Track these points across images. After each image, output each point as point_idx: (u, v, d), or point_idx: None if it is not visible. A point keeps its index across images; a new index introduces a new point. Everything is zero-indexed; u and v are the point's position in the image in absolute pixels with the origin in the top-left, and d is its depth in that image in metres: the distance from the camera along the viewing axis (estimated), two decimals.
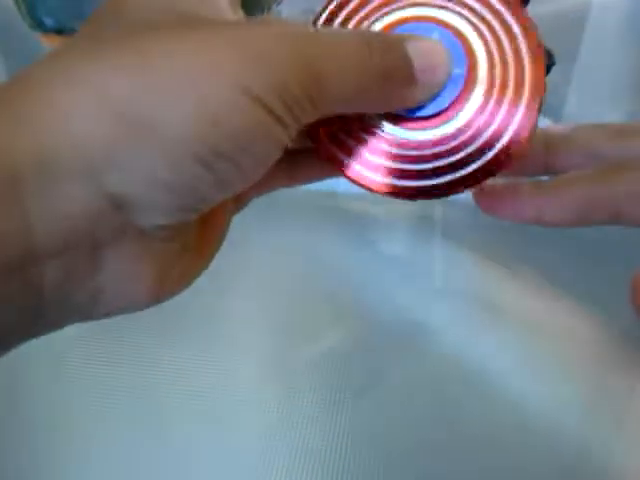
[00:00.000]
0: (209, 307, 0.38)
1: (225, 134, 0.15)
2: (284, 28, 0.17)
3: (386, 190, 0.21)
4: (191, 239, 0.19)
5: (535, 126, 0.21)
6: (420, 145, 0.21)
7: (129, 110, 0.14)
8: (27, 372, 0.34)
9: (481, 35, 0.21)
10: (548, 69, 0.25)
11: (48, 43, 0.53)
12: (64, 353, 0.34)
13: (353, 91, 0.18)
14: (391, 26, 0.21)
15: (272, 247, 0.40)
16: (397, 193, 0.21)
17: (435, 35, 0.20)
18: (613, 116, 0.51)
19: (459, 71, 0.20)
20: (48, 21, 0.51)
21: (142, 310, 0.18)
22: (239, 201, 0.22)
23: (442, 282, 0.40)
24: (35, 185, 0.14)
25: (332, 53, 0.17)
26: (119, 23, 0.17)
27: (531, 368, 0.35)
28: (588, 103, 0.53)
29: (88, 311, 0.16)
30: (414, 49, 0.18)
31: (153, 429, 0.33)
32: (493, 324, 0.37)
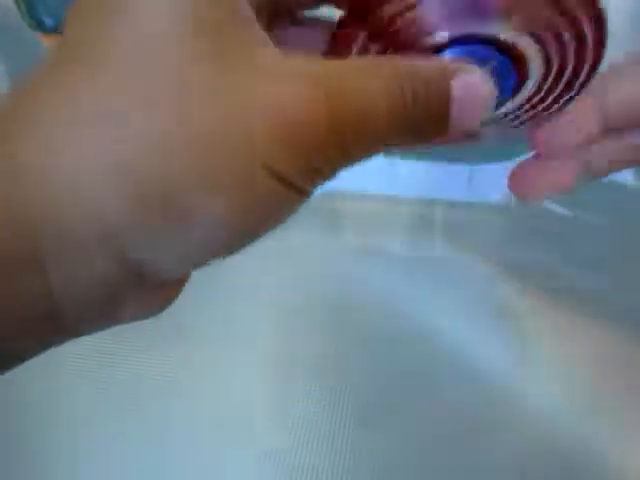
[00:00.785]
0: (209, 307, 0.38)
1: (238, 211, 0.14)
2: (302, 78, 0.15)
3: None
4: None
5: None
6: None
7: (138, 184, 0.14)
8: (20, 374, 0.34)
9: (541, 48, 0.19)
10: None
11: (48, 43, 0.53)
12: (58, 353, 0.34)
13: (378, 146, 0.16)
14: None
15: (271, 247, 0.40)
16: None
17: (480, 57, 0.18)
18: None
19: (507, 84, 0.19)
20: (48, 21, 0.51)
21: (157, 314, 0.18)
22: None
23: (442, 282, 0.40)
24: (55, 255, 0.13)
25: (356, 105, 0.15)
26: (125, 28, 0.14)
27: (531, 368, 0.35)
28: None
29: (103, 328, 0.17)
30: (460, 87, 0.16)
31: (151, 429, 0.33)
32: (493, 324, 0.37)
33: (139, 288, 0.15)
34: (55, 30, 0.51)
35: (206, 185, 0.14)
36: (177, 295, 0.18)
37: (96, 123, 0.14)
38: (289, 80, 0.15)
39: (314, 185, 0.15)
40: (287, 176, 0.14)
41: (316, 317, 0.38)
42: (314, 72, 0.15)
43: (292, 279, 0.40)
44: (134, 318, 0.17)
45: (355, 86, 0.15)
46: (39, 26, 0.51)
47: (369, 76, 0.15)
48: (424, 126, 0.16)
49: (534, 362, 0.35)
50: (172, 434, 0.33)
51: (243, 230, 0.15)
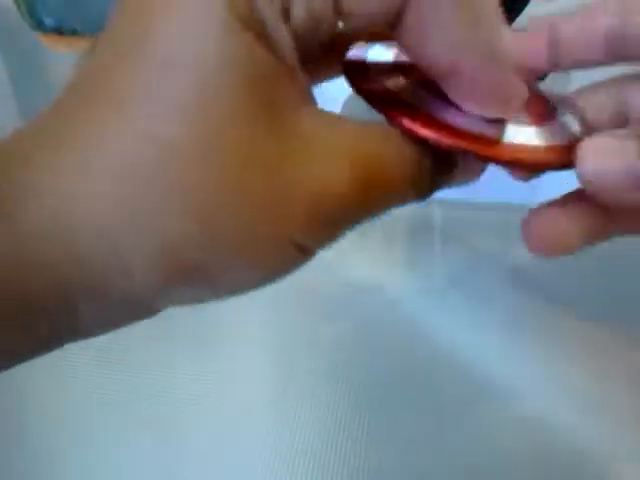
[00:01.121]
0: (212, 308, 0.37)
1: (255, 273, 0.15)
2: (340, 155, 0.14)
3: None
4: None
5: None
6: None
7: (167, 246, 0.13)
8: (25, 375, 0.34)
9: None
10: (545, 75, 0.25)
11: (48, 43, 0.53)
12: (63, 357, 0.34)
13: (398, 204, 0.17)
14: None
15: None
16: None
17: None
18: None
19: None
20: (48, 21, 0.51)
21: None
22: None
23: (442, 282, 0.40)
24: (86, 301, 0.13)
25: (390, 182, 0.15)
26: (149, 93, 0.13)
27: (532, 368, 0.35)
28: None
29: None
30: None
31: (153, 431, 0.33)
32: (494, 324, 0.37)
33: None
34: (55, 30, 0.51)
35: (234, 252, 0.14)
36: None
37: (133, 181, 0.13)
38: (330, 160, 0.14)
39: (322, 247, 0.16)
40: (310, 248, 0.15)
41: (315, 318, 0.38)
42: (353, 148, 0.15)
43: (292, 278, 0.40)
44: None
45: (385, 159, 0.15)
46: (39, 26, 0.51)
47: (396, 144, 0.16)
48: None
49: (534, 362, 0.35)
50: (172, 437, 0.33)
51: (249, 286, 0.16)
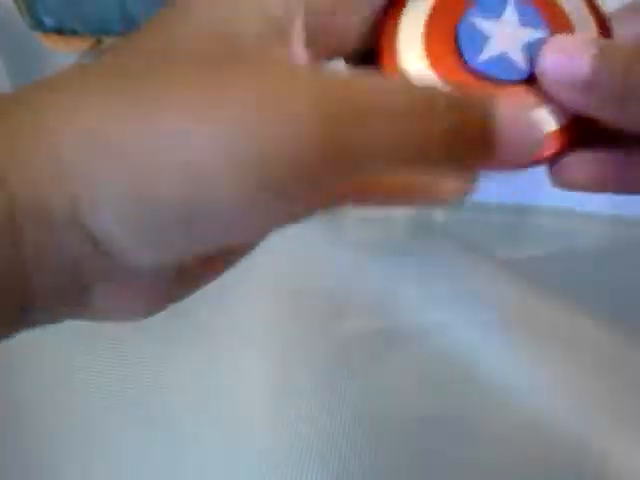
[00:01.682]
0: (212, 308, 0.38)
1: (222, 219, 0.14)
2: (308, 79, 0.14)
3: None
4: (187, 264, 0.17)
5: None
6: None
7: (125, 167, 0.14)
8: (28, 375, 0.34)
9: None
10: None
11: (48, 43, 0.53)
12: (67, 355, 0.34)
13: (402, 164, 0.15)
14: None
15: (272, 247, 0.40)
16: None
17: (509, 8, 0.19)
18: None
19: (540, 35, 0.19)
20: (48, 21, 0.51)
21: (142, 319, 0.18)
22: None
23: (442, 282, 0.40)
24: (32, 235, 0.14)
25: (373, 117, 0.13)
26: (161, 48, 0.15)
27: (532, 368, 0.35)
28: None
29: (83, 319, 0.17)
30: (500, 119, 0.14)
31: (155, 429, 0.33)
32: (494, 324, 0.37)
33: (108, 273, 0.15)
34: (55, 30, 0.51)
35: (182, 180, 0.14)
36: (159, 306, 0.18)
37: (94, 97, 0.14)
38: (295, 93, 0.14)
39: (317, 191, 0.15)
40: (279, 188, 0.14)
41: (315, 317, 0.38)
42: (324, 80, 0.14)
43: (292, 278, 0.40)
44: (108, 313, 0.17)
45: (368, 94, 0.14)
46: (39, 26, 0.51)
47: (392, 84, 0.15)
48: (461, 143, 0.15)
49: (534, 361, 0.35)
50: (174, 435, 0.33)
51: (219, 231, 0.15)
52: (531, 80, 0.19)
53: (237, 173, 0.13)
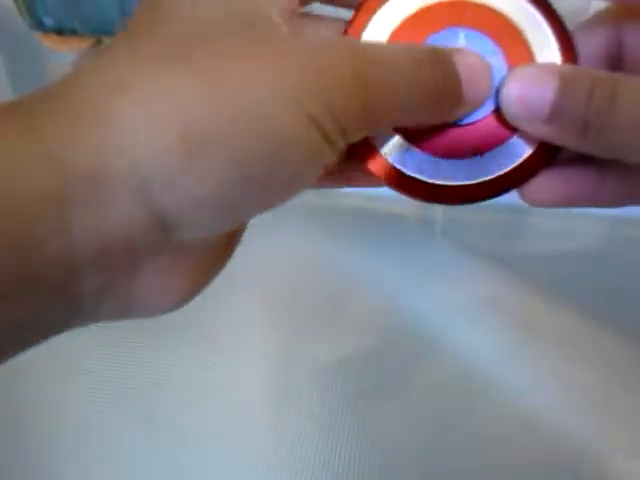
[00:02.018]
0: (212, 308, 0.38)
1: (280, 157, 0.15)
2: (343, 45, 0.17)
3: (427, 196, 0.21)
4: (221, 241, 0.19)
5: None
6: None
7: (193, 129, 0.14)
8: (34, 379, 0.34)
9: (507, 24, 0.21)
10: None
11: (48, 43, 0.53)
12: (67, 356, 0.34)
13: (402, 109, 0.18)
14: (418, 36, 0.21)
15: (273, 247, 0.40)
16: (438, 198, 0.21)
17: (462, 37, 0.20)
18: None
19: (497, 63, 0.20)
20: (48, 21, 0.51)
21: (166, 313, 0.18)
22: None
23: (442, 281, 0.40)
24: (82, 201, 0.14)
25: (385, 71, 0.17)
26: (181, 18, 0.16)
27: (531, 368, 0.35)
28: None
29: (119, 314, 0.17)
30: (461, 64, 0.18)
31: (155, 429, 0.33)
32: (494, 324, 0.37)
33: (159, 250, 0.15)
34: (55, 30, 0.51)
35: (253, 131, 0.15)
36: (198, 288, 0.18)
37: (148, 67, 0.15)
38: (332, 50, 0.16)
39: (343, 137, 0.16)
40: (322, 122, 0.15)
41: (317, 316, 0.38)
42: (353, 44, 0.17)
43: (293, 278, 0.40)
44: (155, 296, 0.17)
45: (385, 55, 0.17)
46: (39, 26, 0.51)
47: (394, 49, 0.18)
48: (440, 89, 0.18)
49: (534, 361, 0.35)
50: (173, 434, 0.33)
51: (277, 171, 0.16)
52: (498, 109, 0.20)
53: (300, 120, 0.15)
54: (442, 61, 0.18)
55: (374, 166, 0.20)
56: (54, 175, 0.13)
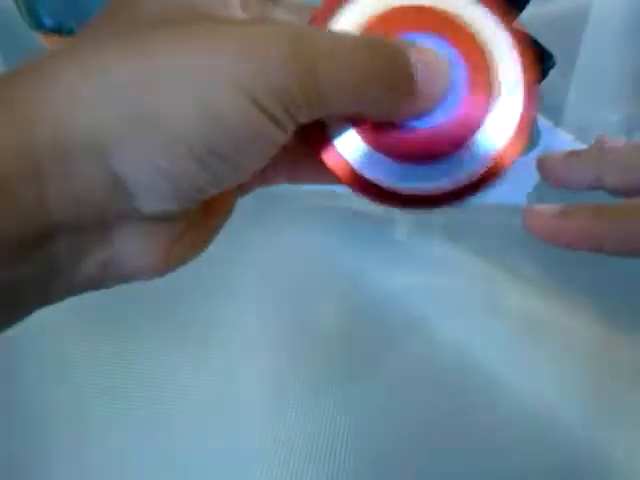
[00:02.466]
0: (212, 308, 0.38)
1: (222, 135, 0.16)
2: (284, 28, 0.17)
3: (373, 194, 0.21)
4: (196, 217, 0.20)
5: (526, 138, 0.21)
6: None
7: (131, 101, 0.15)
8: (33, 379, 0.34)
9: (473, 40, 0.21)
10: (548, 70, 0.25)
11: (48, 43, 0.53)
12: (67, 357, 0.34)
13: (351, 95, 0.18)
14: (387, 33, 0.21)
15: (271, 246, 0.40)
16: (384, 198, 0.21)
17: (429, 43, 0.20)
18: (613, 117, 0.51)
19: (457, 79, 0.20)
20: (48, 21, 0.51)
21: (148, 280, 0.19)
22: (242, 189, 0.23)
23: (442, 281, 0.40)
24: (52, 168, 0.15)
25: (332, 55, 0.17)
26: (132, 13, 0.17)
27: (531, 368, 0.35)
28: (588, 103, 0.53)
29: (97, 280, 0.18)
30: (417, 59, 0.18)
31: (155, 429, 0.33)
32: (494, 323, 0.37)
33: (125, 216, 0.17)
34: (55, 30, 0.51)
35: (190, 110, 0.16)
36: (175, 260, 0.19)
37: (93, 47, 0.16)
38: (272, 32, 0.17)
39: (291, 118, 0.17)
40: (264, 103, 0.16)
41: (317, 317, 0.38)
42: (296, 27, 0.18)
43: (291, 277, 0.40)
44: (130, 263, 0.18)
45: (329, 39, 0.17)
46: (39, 26, 0.51)
47: (343, 34, 0.19)
48: (391, 80, 0.18)
49: (534, 361, 0.35)
50: (174, 434, 0.33)
51: (222, 150, 0.16)
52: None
53: (238, 100, 0.16)
54: (395, 51, 0.18)
55: (327, 156, 0.20)
56: (25, 144, 0.14)
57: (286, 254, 0.41)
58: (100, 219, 0.16)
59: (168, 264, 0.19)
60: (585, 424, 0.33)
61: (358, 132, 0.20)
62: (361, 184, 0.21)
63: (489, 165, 0.21)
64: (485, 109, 0.21)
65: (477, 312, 0.38)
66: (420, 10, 0.21)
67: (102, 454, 0.32)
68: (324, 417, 0.33)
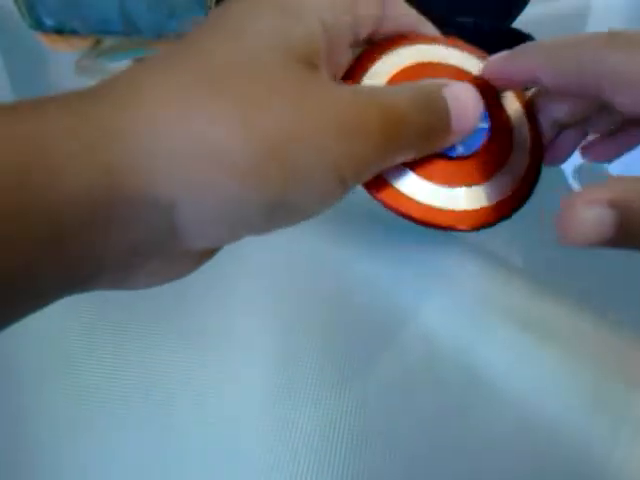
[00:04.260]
0: (211, 309, 0.38)
1: (301, 197, 0.17)
2: (374, 101, 0.18)
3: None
4: None
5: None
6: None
7: (225, 159, 0.15)
8: (29, 379, 0.34)
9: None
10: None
11: (48, 43, 0.53)
12: (67, 360, 0.34)
13: (407, 152, 0.20)
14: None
15: (271, 246, 0.40)
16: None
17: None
18: None
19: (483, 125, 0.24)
20: (48, 21, 0.51)
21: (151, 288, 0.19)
22: None
23: (442, 282, 0.40)
24: (122, 217, 0.15)
25: (402, 126, 0.19)
26: (230, 50, 0.17)
27: (531, 367, 0.35)
28: None
29: (106, 287, 0.18)
30: (450, 95, 0.20)
31: (156, 430, 0.33)
32: (494, 323, 0.37)
33: (173, 249, 0.17)
34: (55, 30, 0.51)
35: (278, 166, 0.16)
36: (182, 274, 0.20)
37: (187, 99, 0.16)
38: (364, 107, 0.18)
39: (357, 184, 0.19)
40: (345, 175, 0.18)
41: (317, 317, 0.38)
42: (380, 101, 0.19)
43: (290, 277, 0.40)
44: (152, 282, 0.18)
45: (394, 101, 0.19)
46: (39, 26, 0.51)
47: (398, 93, 0.20)
48: (434, 129, 0.20)
49: (534, 361, 0.35)
50: (175, 435, 0.33)
51: (290, 203, 0.17)
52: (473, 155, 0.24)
53: (327, 175, 0.17)
54: (436, 104, 0.20)
55: (387, 196, 0.23)
56: (103, 187, 0.14)
57: (286, 255, 0.41)
58: (143, 255, 0.17)
59: (182, 276, 0.19)
60: (585, 424, 0.33)
61: (410, 168, 0.23)
62: (400, 201, 0.24)
63: (520, 185, 0.24)
64: (507, 150, 0.24)
65: (477, 312, 0.38)
66: (434, 65, 0.24)
67: (102, 455, 0.32)
68: (327, 417, 0.33)
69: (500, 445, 0.32)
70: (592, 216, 0.20)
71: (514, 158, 0.25)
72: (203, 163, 0.15)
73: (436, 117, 0.20)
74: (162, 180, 0.15)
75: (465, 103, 0.21)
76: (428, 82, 0.21)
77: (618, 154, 0.31)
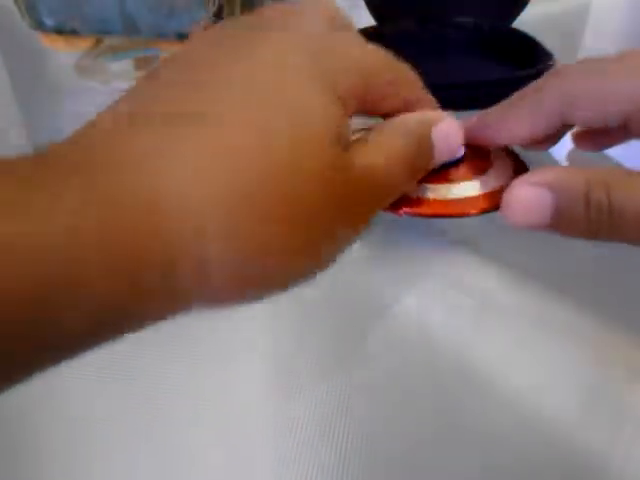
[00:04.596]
0: (210, 319, 0.37)
1: (308, 247, 0.21)
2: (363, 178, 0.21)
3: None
4: None
5: None
6: None
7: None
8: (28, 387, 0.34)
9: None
10: (547, 70, 0.26)
11: (48, 43, 0.53)
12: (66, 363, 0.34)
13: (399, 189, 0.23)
14: None
15: None
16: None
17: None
18: None
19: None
20: (48, 21, 0.51)
21: None
22: None
23: (442, 282, 0.40)
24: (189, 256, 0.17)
25: (395, 185, 0.22)
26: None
27: (531, 367, 0.35)
28: None
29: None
30: (438, 135, 0.22)
31: (155, 436, 0.33)
32: (493, 323, 0.37)
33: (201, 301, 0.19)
34: (55, 30, 0.51)
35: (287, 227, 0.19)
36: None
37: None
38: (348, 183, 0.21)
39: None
40: (345, 241, 0.22)
41: (316, 317, 0.38)
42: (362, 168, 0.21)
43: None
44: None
45: (387, 169, 0.22)
46: (39, 26, 0.51)
47: (392, 155, 0.22)
48: (420, 170, 0.23)
49: (534, 360, 0.35)
50: (175, 442, 0.33)
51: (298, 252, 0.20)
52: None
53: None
54: (425, 149, 0.23)
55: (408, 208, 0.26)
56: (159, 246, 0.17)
57: None
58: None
59: None
60: (584, 423, 0.33)
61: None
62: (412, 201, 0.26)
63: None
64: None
65: (477, 312, 0.38)
66: None
67: (101, 464, 0.32)
68: (327, 418, 0.33)
69: (499, 444, 0.32)
70: (531, 196, 0.21)
71: (495, 161, 0.27)
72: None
73: (424, 161, 0.22)
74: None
75: (449, 140, 0.23)
76: (416, 121, 0.23)
77: (608, 146, 0.31)
